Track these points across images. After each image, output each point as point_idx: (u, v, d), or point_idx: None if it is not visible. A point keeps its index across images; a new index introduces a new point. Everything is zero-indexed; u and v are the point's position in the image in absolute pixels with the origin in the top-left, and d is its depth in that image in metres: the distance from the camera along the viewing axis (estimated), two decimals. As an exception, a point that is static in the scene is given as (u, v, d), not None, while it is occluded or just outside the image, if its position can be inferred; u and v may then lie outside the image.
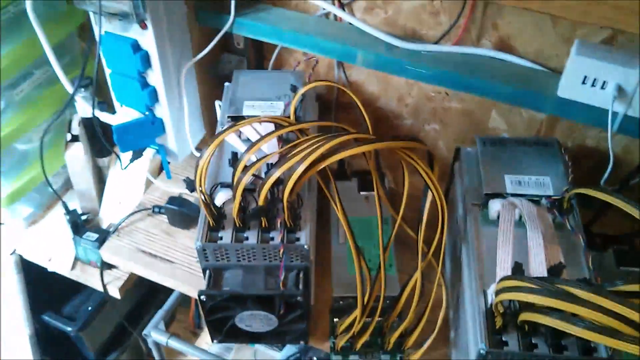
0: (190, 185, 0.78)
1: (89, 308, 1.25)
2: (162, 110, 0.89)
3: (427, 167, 0.68)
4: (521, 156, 0.76)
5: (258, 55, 0.99)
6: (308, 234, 0.71)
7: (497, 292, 0.59)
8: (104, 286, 1.01)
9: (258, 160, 0.66)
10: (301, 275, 0.73)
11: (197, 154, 0.86)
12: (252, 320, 0.74)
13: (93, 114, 0.88)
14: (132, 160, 0.96)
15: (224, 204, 0.73)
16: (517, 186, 0.72)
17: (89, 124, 0.99)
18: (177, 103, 0.89)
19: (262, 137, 0.67)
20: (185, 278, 0.89)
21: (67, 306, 1.25)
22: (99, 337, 1.31)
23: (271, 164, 0.70)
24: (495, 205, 0.71)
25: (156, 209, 0.93)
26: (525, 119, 0.88)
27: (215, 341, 0.79)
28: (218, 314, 0.74)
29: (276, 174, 0.64)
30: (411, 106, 0.94)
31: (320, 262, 0.90)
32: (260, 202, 0.67)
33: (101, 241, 0.98)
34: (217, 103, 0.90)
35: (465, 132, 0.93)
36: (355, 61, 0.81)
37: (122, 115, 0.91)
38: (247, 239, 0.71)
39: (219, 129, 0.83)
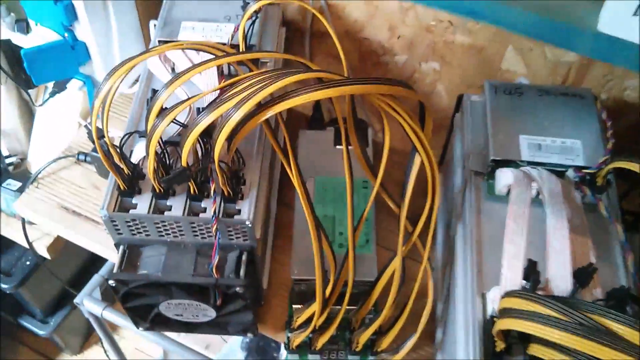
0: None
1: (27, 262, 1.09)
2: (83, 31, 0.69)
3: (415, 123, 0.49)
4: (543, 111, 0.57)
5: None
6: (253, 204, 0.53)
7: (500, 313, 0.42)
8: (30, 244, 0.84)
9: (182, 101, 0.48)
10: (243, 258, 0.55)
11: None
12: (182, 309, 0.58)
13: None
14: (52, 95, 0.77)
15: (143, 161, 0.55)
16: (536, 151, 0.54)
17: (8, 49, 0.80)
18: (103, 22, 0.69)
19: (189, 69, 0.47)
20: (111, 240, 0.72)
21: (1, 261, 1.09)
22: (45, 294, 1.16)
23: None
24: (505, 177, 0.53)
25: (81, 156, 0.75)
26: (550, 61, 0.68)
27: (140, 329, 0.63)
28: (135, 301, 0.57)
29: (205, 121, 0.45)
30: (405, 38, 0.74)
31: (283, 232, 0.73)
32: (183, 161, 0.48)
33: (20, 187, 0.80)
34: (152, 23, 0.70)
35: (473, 74, 0.73)
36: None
37: (37, 37, 0.71)
38: (170, 209, 0.53)
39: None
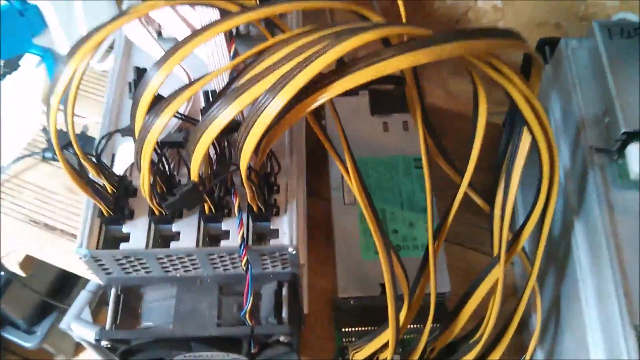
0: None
1: (1, 273, 0.93)
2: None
3: (528, 89, 0.33)
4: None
5: None
6: (293, 221, 0.37)
7: None
8: (-1, 262, 0.68)
9: (185, 86, 0.31)
10: (284, 292, 0.40)
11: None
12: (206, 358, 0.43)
13: None
14: (2, 77, 0.59)
15: (131, 170, 0.39)
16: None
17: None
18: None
19: (191, 37, 0.30)
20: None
21: (-27, 271, 0.93)
22: (25, 305, 1.01)
23: (213, 92, 0.35)
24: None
25: (48, 154, 0.58)
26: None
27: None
28: (140, 355, 0.42)
29: (224, 115, 0.29)
30: (456, -31, 0.56)
31: (313, 231, 0.57)
32: (194, 175, 0.32)
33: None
34: (125, -29, 0.51)
35: (545, 10, 0.56)
36: None
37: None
38: (177, 237, 0.37)
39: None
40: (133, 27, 0.41)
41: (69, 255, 0.57)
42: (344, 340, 0.50)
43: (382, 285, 0.48)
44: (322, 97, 0.29)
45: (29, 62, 0.60)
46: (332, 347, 0.51)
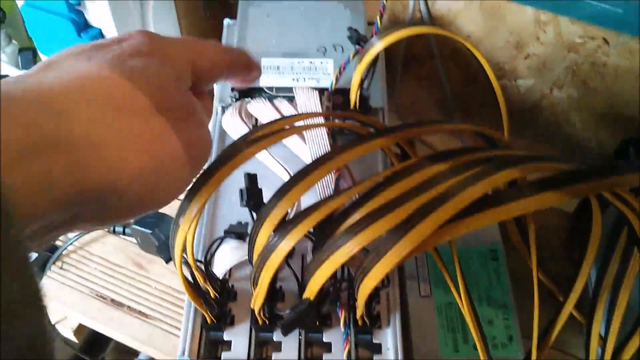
0: (166, 254, 0.42)
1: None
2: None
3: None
4: None
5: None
6: (398, 335, 0.36)
7: None
8: (53, 326, 0.68)
9: (314, 208, 0.31)
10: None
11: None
12: None
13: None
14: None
15: (230, 271, 0.38)
16: None
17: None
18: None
19: (321, 162, 0.30)
20: (167, 341, 0.55)
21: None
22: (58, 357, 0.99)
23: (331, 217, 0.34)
24: None
25: (117, 228, 0.58)
26: None
27: None
28: None
29: (349, 247, 0.29)
30: (535, 58, 0.56)
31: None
32: (312, 294, 0.32)
33: (40, 268, 0.63)
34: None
35: (626, 103, 0.56)
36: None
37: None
38: (279, 347, 0.36)
39: (216, 117, 0.45)
40: (230, 119, 0.41)
41: (140, 337, 0.56)
42: None
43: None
44: (448, 237, 0.28)
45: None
46: None
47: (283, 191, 0.30)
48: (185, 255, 0.32)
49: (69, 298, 0.58)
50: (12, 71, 0.56)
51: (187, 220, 0.29)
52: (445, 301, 0.52)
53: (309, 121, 0.35)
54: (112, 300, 0.57)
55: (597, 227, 0.35)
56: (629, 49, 0.52)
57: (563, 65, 0.55)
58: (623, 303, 0.36)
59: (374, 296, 0.37)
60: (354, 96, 0.41)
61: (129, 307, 0.57)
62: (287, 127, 0.32)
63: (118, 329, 0.56)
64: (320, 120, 0.37)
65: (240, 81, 0.31)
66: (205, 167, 0.29)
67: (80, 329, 0.68)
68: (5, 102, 0.18)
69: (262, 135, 0.31)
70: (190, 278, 0.33)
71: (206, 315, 0.35)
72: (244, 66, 0.30)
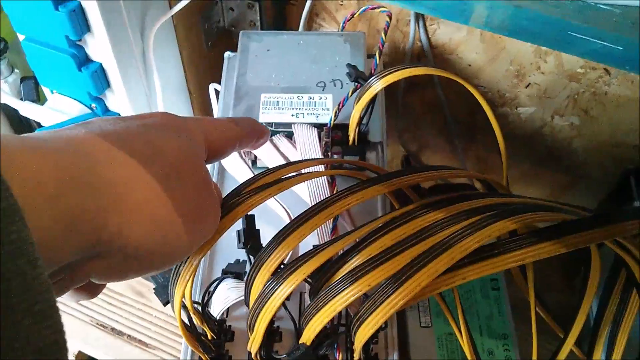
0: (164, 297, 0.42)
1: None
2: (117, 100, 0.52)
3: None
4: None
5: (279, 1, 0.61)
6: (395, 374, 0.36)
7: None
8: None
9: (312, 253, 0.31)
10: None
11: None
12: None
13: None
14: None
15: (227, 311, 0.38)
16: None
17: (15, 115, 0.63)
18: (143, 87, 0.52)
19: (321, 208, 0.30)
20: (169, 371, 0.55)
21: None
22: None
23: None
24: None
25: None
26: None
27: None
28: None
29: (351, 293, 0.29)
30: (537, 87, 0.56)
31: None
32: (308, 339, 0.32)
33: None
34: (212, 87, 0.52)
35: (623, 132, 0.56)
36: (469, 20, 0.43)
37: (54, 107, 0.54)
38: (275, 388, 0.36)
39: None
40: (232, 160, 0.41)
41: (135, 363, 0.56)
42: None
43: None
44: (444, 287, 0.28)
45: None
46: None
47: (281, 237, 0.30)
48: (184, 300, 0.32)
49: (69, 326, 0.58)
50: (14, 102, 0.57)
51: (187, 271, 0.29)
52: (446, 332, 0.52)
53: (312, 169, 0.35)
54: (113, 329, 0.57)
55: (596, 271, 0.34)
56: (631, 79, 0.52)
57: (564, 94, 0.55)
58: (622, 344, 0.35)
59: (371, 338, 0.37)
60: (352, 133, 0.41)
61: (129, 335, 0.57)
62: (289, 174, 0.32)
63: (118, 357, 0.56)
64: (321, 168, 0.38)
65: (251, 148, 0.32)
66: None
67: (79, 357, 0.68)
68: (31, 145, 0.19)
69: (263, 185, 0.31)
70: (187, 321, 0.33)
71: (203, 358, 0.35)
72: (253, 135, 0.31)
